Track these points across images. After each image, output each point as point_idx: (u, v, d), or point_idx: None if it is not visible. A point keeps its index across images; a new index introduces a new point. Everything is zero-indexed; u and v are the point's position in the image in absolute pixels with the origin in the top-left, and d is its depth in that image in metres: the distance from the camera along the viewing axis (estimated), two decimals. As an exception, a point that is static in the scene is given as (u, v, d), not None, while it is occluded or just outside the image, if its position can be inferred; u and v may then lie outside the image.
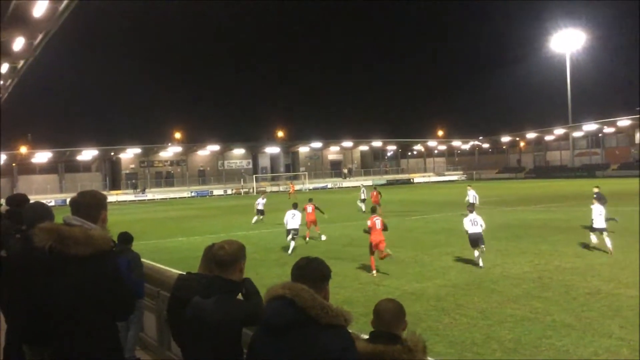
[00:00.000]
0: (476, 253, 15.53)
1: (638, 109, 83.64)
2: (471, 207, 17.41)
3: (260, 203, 31.27)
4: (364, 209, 35.72)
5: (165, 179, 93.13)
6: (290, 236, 19.83)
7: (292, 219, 20.05)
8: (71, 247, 3.33)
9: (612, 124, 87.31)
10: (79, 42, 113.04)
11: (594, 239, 17.14)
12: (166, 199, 78.24)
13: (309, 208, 23.49)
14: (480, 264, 15.18)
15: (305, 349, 2.66)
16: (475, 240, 15.55)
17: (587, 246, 17.46)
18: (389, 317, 3.22)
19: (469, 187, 31.81)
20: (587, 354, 8.14)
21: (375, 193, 34.65)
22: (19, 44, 20.87)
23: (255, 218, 30.91)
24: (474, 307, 11.03)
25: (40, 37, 21.28)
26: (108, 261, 3.44)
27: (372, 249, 15.24)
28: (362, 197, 37.64)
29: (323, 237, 22.77)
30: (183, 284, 3.99)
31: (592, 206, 17.59)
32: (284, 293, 2.80)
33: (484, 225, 15.91)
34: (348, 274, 14.75)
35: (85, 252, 3.32)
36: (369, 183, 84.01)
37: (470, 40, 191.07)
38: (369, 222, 15.60)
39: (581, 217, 26.85)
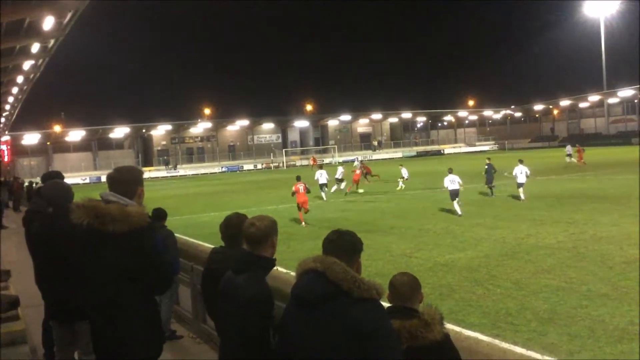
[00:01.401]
0: (455, 204, 20.06)
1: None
2: (450, 169, 21.39)
3: (340, 172, 32.57)
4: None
5: (196, 154, 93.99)
6: (321, 189, 28.02)
7: (321, 177, 27.99)
8: (108, 224, 3.37)
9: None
10: (109, 20, 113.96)
11: (522, 194, 22.86)
12: (197, 174, 79.08)
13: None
14: (459, 212, 19.70)
15: (337, 323, 2.65)
16: (454, 195, 20.27)
17: (517, 197, 23.08)
18: (404, 291, 3.21)
19: (400, 166, 33.24)
20: (623, 323, 8.01)
21: (359, 169, 34.72)
22: (48, 23, 21.07)
23: (334, 187, 31.64)
24: (507, 278, 10.94)
25: (69, 16, 21.46)
26: (145, 237, 3.46)
27: (299, 207, 20.36)
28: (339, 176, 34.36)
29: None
30: (217, 257, 4.01)
31: (515, 168, 23.52)
32: (315, 266, 2.79)
33: (461, 183, 20.70)
34: (379, 247, 14.73)
35: (122, 229, 3.36)
36: (399, 155, 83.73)
37: (502, 6, 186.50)
38: (293, 188, 20.71)
39: (616, 185, 26.33)
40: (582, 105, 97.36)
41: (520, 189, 22.94)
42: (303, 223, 19.93)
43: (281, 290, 5.65)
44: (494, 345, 7.60)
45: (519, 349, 7.38)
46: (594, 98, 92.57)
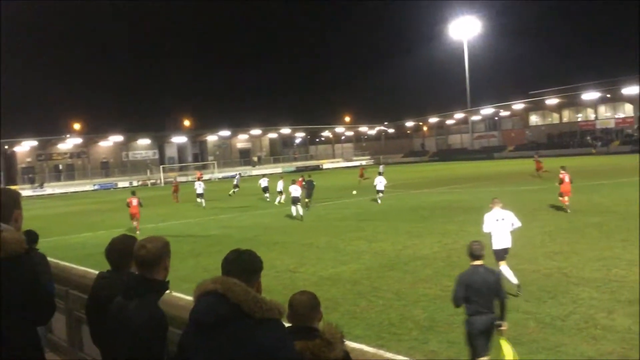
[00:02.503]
0: (293, 209, 24.65)
1: (531, 92, 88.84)
2: (293, 180, 26.39)
3: (280, 185, 32.92)
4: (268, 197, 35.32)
5: (65, 172, 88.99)
6: (199, 199, 34.08)
7: (199, 187, 34.50)
8: None
9: (508, 107, 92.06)
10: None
11: (379, 199, 28.33)
12: (67, 193, 74.73)
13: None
14: (301, 212, 24.49)
15: (239, 345, 2.58)
16: (295, 201, 24.72)
17: (375, 200, 28.32)
18: (303, 310, 3.19)
19: (280, 178, 34.63)
20: (496, 328, 8.52)
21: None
22: None
23: (278, 198, 32.61)
24: (388, 289, 11.31)
25: None
26: (23, 265, 3.21)
27: (132, 217, 23.64)
28: (263, 184, 36.53)
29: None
30: (104, 283, 3.80)
31: (375, 178, 29.35)
32: (215, 288, 2.69)
33: (300, 191, 25.37)
34: (264, 263, 14.65)
35: None
36: (279, 170, 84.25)
37: (374, 27, 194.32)
38: (127, 200, 24.01)
39: (483, 197, 28.12)
40: (449, 122, 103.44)
41: (379, 195, 28.63)
42: (138, 232, 21.85)
43: (169, 313, 5.45)
44: (379, 356, 7.77)
45: (402, 358, 7.62)
46: (460, 115, 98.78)
